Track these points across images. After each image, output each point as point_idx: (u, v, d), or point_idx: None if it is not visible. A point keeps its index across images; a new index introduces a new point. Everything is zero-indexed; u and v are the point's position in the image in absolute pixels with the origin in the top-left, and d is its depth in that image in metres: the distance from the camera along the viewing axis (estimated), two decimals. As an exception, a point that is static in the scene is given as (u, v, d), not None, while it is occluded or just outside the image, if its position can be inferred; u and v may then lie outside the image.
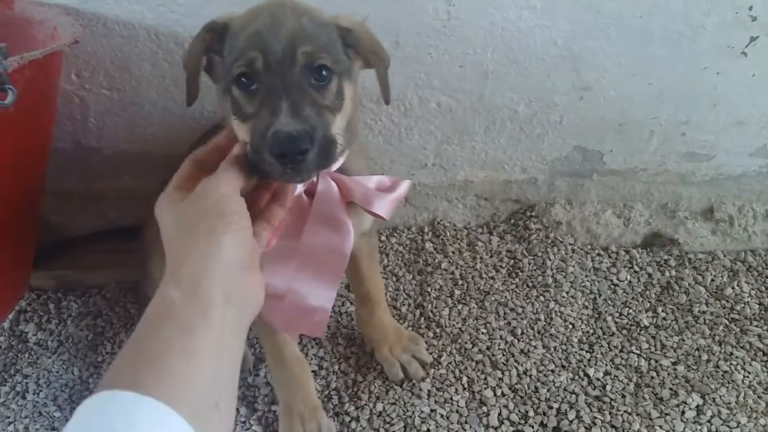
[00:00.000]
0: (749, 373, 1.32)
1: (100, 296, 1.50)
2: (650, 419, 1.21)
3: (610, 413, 1.22)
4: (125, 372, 0.55)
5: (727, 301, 1.51)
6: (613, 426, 1.20)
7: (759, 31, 1.40)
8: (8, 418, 1.23)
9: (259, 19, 0.82)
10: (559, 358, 1.34)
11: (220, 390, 0.59)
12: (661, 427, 1.19)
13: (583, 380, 1.29)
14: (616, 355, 1.35)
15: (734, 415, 1.22)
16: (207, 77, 0.93)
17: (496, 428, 1.20)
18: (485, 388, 1.27)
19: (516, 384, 1.28)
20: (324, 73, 0.81)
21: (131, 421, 0.50)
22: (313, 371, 1.27)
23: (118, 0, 1.23)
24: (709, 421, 1.21)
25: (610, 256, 1.64)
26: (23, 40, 1.15)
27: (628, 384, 1.28)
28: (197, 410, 0.54)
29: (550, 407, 1.23)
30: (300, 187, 0.85)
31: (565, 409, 1.23)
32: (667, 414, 1.22)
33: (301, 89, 0.79)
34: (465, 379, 1.29)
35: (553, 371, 1.31)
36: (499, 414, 1.22)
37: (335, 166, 0.90)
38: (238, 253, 0.65)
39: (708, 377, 1.30)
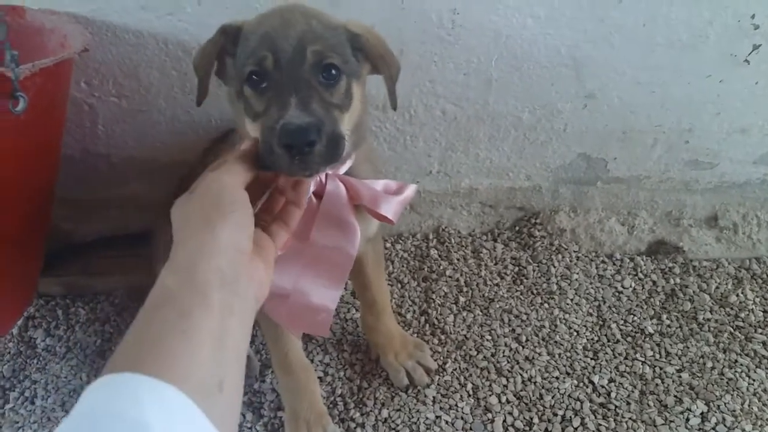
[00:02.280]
0: (754, 380, 1.32)
1: (108, 302, 1.51)
2: (655, 426, 1.21)
3: (614, 420, 1.22)
4: (126, 357, 0.55)
5: (732, 309, 1.51)
6: (617, 433, 1.20)
7: (761, 39, 1.41)
8: (17, 423, 1.24)
9: (269, 21, 0.85)
10: (564, 365, 1.34)
11: (224, 370, 0.58)
12: (666, 434, 1.20)
13: (587, 387, 1.29)
14: (620, 362, 1.35)
15: (739, 422, 1.22)
16: (216, 81, 0.95)
17: (500, 435, 1.20)
18: (490, 395, 1.27)
19: (521, 391, 1.28)
20: (333, 71, 0.84)
21: (134, 399, 0.49)
22: (318, 378, 1.27)
23: (127, 9, 1.24)
24: (713, 429, 1.21)
25: (614, 264, 1.64)
26: (34, 48, 1.17)
27: (632, 391, 1.29)
28: (199, 389, 0.53)
29: (555, 414, 1.23)
30: (310, 189, 0.86)
31: (570, 416, 1.23)
32: (671, 421, 1.22)
33: (310, 86, 0.81)
34: (470, 385, 1.29)
35: (557, 378, 1.31)
36: (504, 421, 1.22)
37: (343, 169, 0.91)
38: (235, 238, 0.65)
39: (713, 384, 1.30)
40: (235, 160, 0.75)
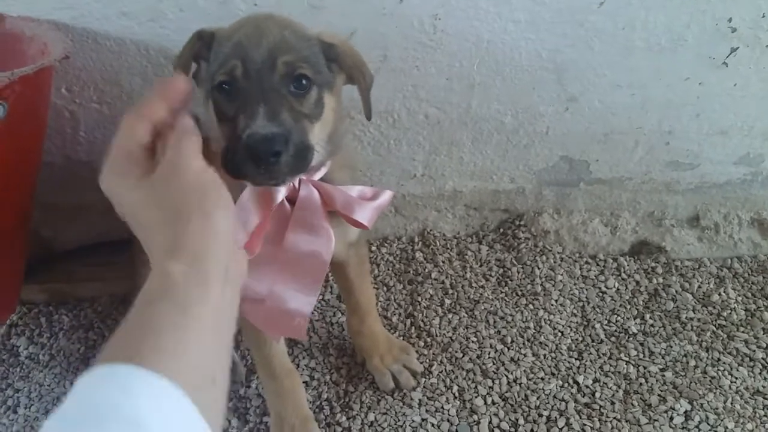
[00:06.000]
0: (736, 378, 1.33)
1: (92, 309, 1.50)
2: (639, 425, 1.22)
3: (599, 420, 1.23)
4: (121, 348, 0.53)
5: (714, 308, 1.52)
6: (602, 432, 1.21)
7: (739, 42, 1.43)
8: (-1, 432, 1.23)
9: (242, 30, 0.86)
10: (549, 366, 1.35)
11: (217, 365, 0.58)
12: (649, 432, 1.21)
13: (572, 387, 1.30)
14: (604, 362, 1.37)
15: (722, 420, 1.23)
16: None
17: (486, 436, 1.20)
18: (476, 397, 1.28)
19: (506, 392, 1.29)
20: (304, 82, 0.85)
21: (129, 392, 0.48)
22: (304, 382, 1.27)
23: (108, 16, 1.24)
24: (697, 427, 1.22)
25: (598, 264, 1.66)
26: (13, 56, 1.16)
27: (617, 391, 1.30)
28: (195, 384, 0.53)
29: (540, 415, 1.24)
30: (282, 194, 0.87)
31: (555, 417, 1.24)
32: (655, 420, 1.23)
33: (279, 95, 0.82)
34: (456, 387, 1.30)
35: (542, 379, 1.32)
36: (490, 422, 1.23)
37: (317, 176, 0.92)
38: (228, 227, 0.65)
39: (696, 383, 1.32)
40: (186, 136, 0.67)
